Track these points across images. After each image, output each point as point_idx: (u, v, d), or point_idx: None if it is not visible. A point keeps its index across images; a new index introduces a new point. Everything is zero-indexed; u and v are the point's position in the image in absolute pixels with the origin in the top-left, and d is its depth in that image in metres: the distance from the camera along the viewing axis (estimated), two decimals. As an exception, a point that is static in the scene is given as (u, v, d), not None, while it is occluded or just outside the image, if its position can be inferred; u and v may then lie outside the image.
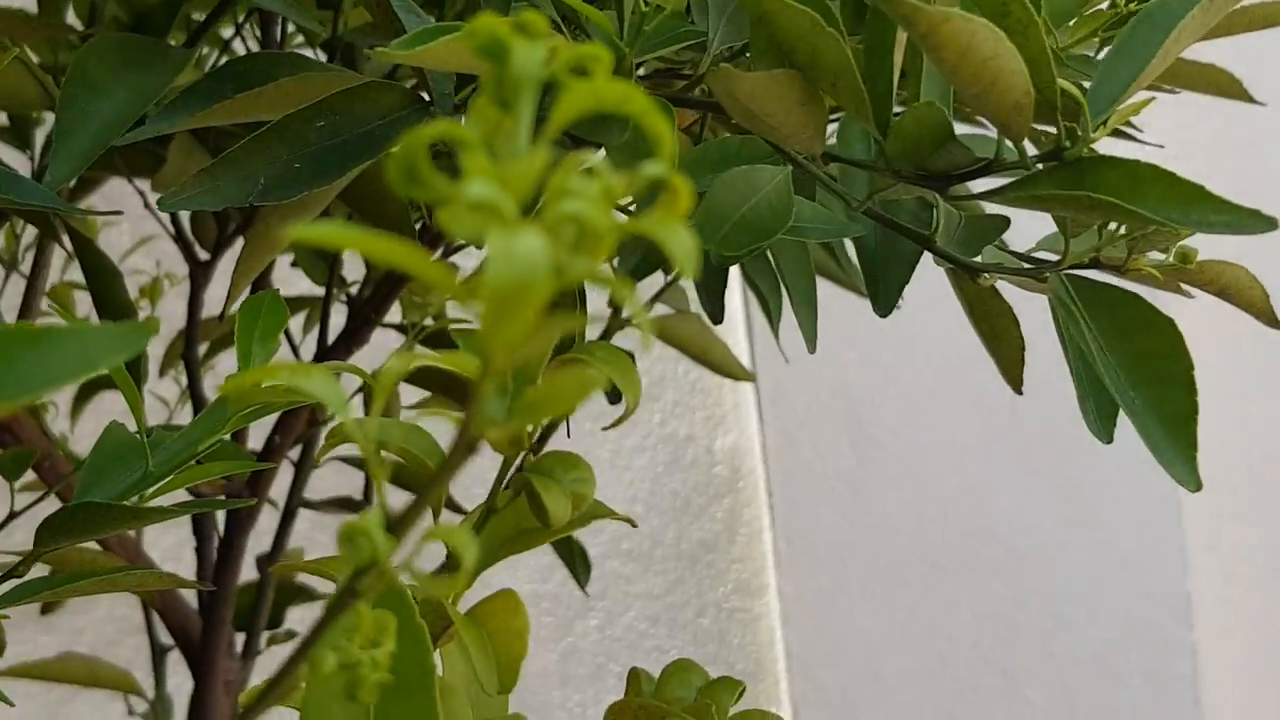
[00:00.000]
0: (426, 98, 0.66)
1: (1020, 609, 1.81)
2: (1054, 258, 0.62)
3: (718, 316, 0.82)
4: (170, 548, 1.33)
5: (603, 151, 0.59)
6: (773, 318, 0.91)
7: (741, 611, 1.95)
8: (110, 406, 0.87)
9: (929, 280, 0.75)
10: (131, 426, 0.63)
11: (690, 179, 0.64)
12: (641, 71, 0.82)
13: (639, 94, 0.30)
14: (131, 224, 1.22)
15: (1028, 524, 1.81)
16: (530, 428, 0.50)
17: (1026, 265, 0.63)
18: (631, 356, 1.15)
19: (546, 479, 0.52)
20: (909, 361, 1.85)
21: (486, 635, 0.52)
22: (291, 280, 1.10)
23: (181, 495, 0.81)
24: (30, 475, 0.95)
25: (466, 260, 1.14)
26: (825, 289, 0.91)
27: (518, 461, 0.54)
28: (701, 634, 1.91)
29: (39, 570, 0.83)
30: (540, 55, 0.31)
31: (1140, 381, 0.56)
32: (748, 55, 0.59)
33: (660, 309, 1.18)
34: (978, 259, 0.64)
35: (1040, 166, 0.55)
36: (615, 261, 1.02)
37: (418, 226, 0.87)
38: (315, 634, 0.35)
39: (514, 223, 0.27)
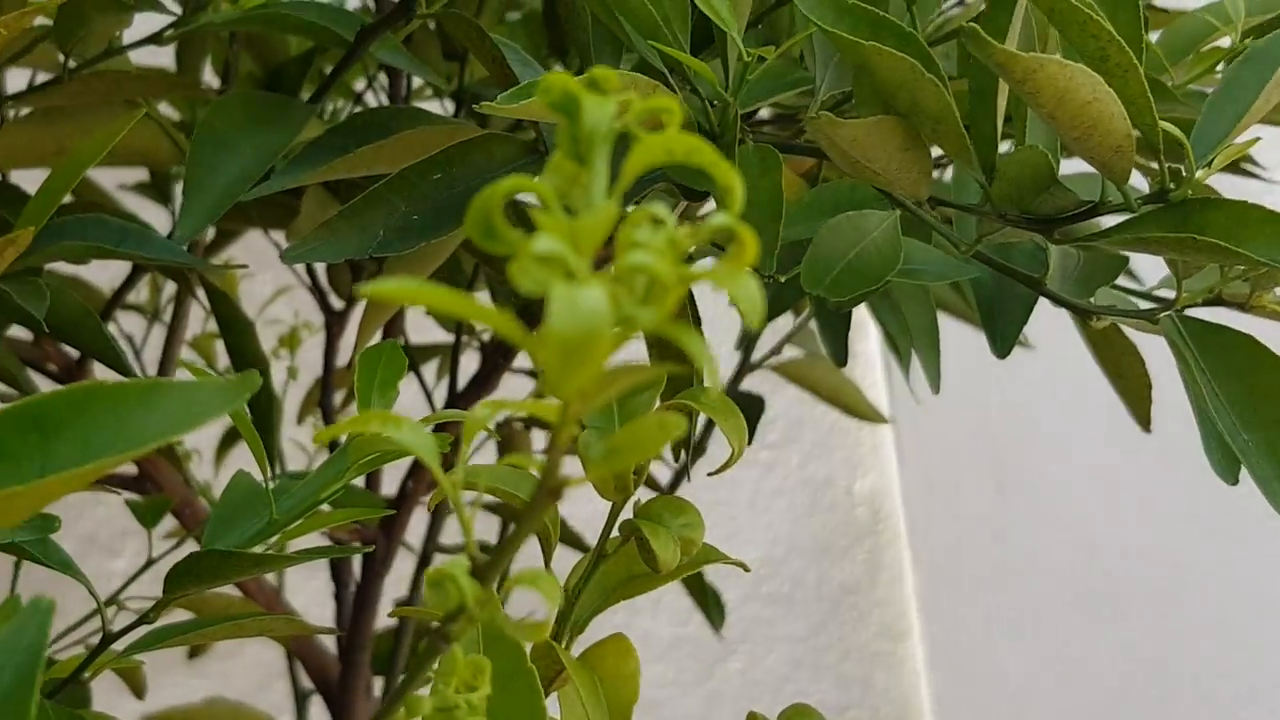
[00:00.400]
0: (543, 149, 0.67)
1: (1172, 651, 1.77)
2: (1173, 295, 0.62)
3: (841, 359, 0.82)
4: (313, 593, 1.35)
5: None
6: (902, 358, 0.90)
7: (886, 655, 1.93)
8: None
9: (1064, 317, 0.74)
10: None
11: (802, 224, 0.65)
12: (764, 114, 0.82)
13: (707, 146, 0.31)
14: (271, 275, 1.25)
15: (1178, 563, 1.77)
16: (634, 472, 0.50)
17: (1142, 306, 0.62)
18: (762, 400, 1.15)
19: (655, 524, 0.52)
20: (1051, 399, 1.82)
21: (598, 680, 0.53)
22: (425, 328, 1.12)
23: (316, 540, 0.83)
24: (174, 522, 0.98)
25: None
26: (962, 329, 0.91)
27: (629, 507, 0.54)
28: (845, 678, 1.89)
29: (181, 615, 0.85)
30: (610, 110, 0.32)
31: (1254, 424, 0.54)
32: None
33: (793, 352, 1.19)
34: (1094, 299, 0.63)
35: (1147, 208, 0.55)
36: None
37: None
38: (409, 679, 0.36)
39: (579, 276, 0.28)
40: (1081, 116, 0.50)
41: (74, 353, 0.90)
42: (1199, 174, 0.53)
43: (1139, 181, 0.58)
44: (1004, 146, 0.58)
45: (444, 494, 0.41)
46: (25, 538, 0.54)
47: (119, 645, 0.68)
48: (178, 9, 0.77)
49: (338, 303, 1.05)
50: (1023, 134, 0.57)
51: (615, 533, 0.54)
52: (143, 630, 0.68)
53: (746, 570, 0.57)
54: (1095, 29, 0.49)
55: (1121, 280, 0.67)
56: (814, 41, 0.61)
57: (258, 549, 0.63)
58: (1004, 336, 0.70)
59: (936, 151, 0.62)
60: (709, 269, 0.29)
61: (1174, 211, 0.53)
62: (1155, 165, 0.54)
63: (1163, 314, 0.58)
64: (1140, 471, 1.77)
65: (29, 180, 0.77)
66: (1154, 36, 0.76)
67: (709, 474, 0.54)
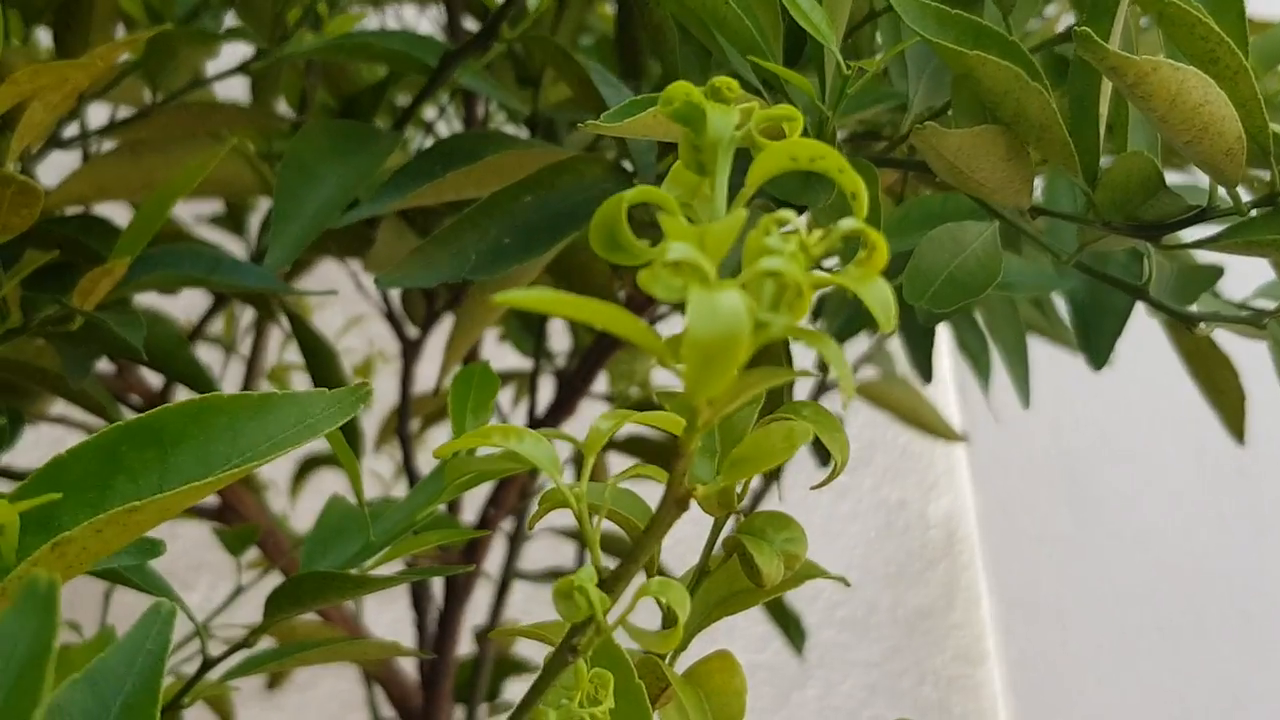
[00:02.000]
0: (629, 168, 0.67)
1: (1256, 673, 1.75)
2: (1272, 305, 0.61)
3: (927, 375, 0.82)
4: (390, 623, 1.35)
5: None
6: (981, 375, 0.90)
7: (963, 679, 1.92)
8: (327, 485, 0.89)
9: (1143, 334, 0.73)
10: (351, 501, 0.65)
11: (895, 238, 0.64)
12: (842, 135, 0.82)
13: (832, 151, 0.31)
14: (343, 304, 1.25)
15: (1260, 584, 1.75)
16: (739, 489, 0.50)
17: (1244, 313, 0.62)
18: (840, 422, 1.15)
19: (758, 539, 0.52)
20: (1126, 418, 1.81)
21: (704, 696, 0.53)
22: (499, 355, 1.12)
23: (400, 565, 0.83)
24: (255, 552, 0.98)
25: (666, 329, 1.15)
26: (1036, 348, 0.91)
27: (729, 523, 0.54)
28: (922, 703, 1.88)
29: (265, 643, 0.85)
30: (733, 119, 0.32)
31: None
32: (947, 114, 0.59)
33: (868, 372, 1.18)
34: (1192, 309, 0.63)
35: (1255, 212, 0.54)
36: (820, 324, 1.03)
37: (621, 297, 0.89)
38: (535, 691, 0.36)
39: (714, 281, 0.28)
40: (1194, 119, 0.49)
41: (156, 384, 0.90)
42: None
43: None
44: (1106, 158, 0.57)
45: (544, 514, 0.41)
46: (128, 562, 0.54)
47: (213, 673, 0.69)
48: (261, 40, 0.78)
49: (413, 331, 1.05)
50: (1124, 142, 0.56)
51: (718, 549, 0.53)
52: (237, 657, 0.68)
53: (848, 585, 0.57)
54: (1204, 31, 0.49)
55: (1227, 285, 0.67)
56: (907, 55, 0.61)
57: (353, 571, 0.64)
58: (1099, 349, 0.70)
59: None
60: (842, 273, 0.29)
61: (1283, 215, 0.53)
62: (1263, 171, 0.53)
63: (1269, 318, 0.58)
64: (1220, 490, 1.75)
65: (112, 213, 0.78)
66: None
67: (811, 488, 0.53)
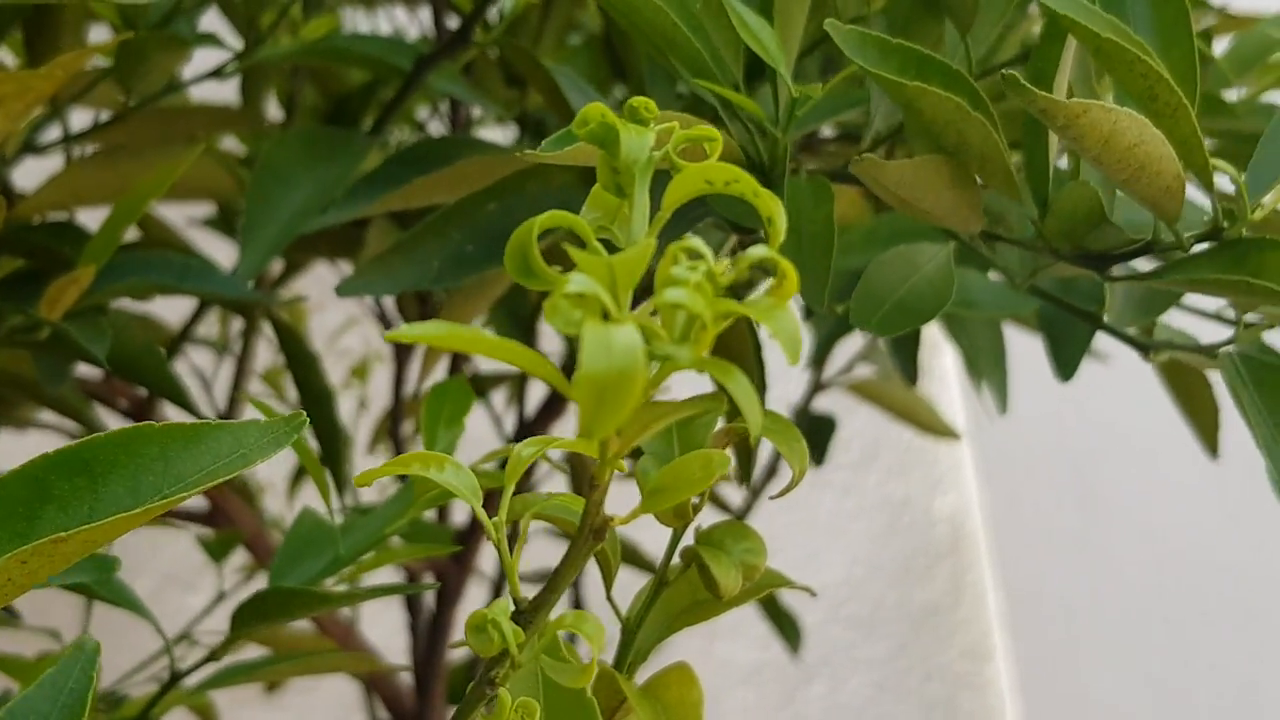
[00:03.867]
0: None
1: (1263, 667, 1.74)
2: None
3: (911, 377, 0.82)
4: (390, 625, 1.35)
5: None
6: (975, 376, 0.89)
7: (970, 676, 1.91)
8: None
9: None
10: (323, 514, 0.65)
11: (861, 254, 0.64)
12: (828, 133, 0.82)
13: (746, 176, 0.30)
14: (341, 305, 1.25)
15: (1268, 579, 1.74)
16: (695, 500, 0.49)
17: (1206, 334, 0.61)
18: (833, 421, 1.14)
19: (716, 550, 0.51)
20: (1131, 412, 1.79)
21: (662, 709, 0.52)
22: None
23: (389, 572, 0.82)
24: (247, 556, 0.98)
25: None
26: (1038, 341, 0.90)
27: (689, 533, 0.53)
28: (929, 701, 1.87)
29: (259, 650, 0.85)
30: (649, 140, 0.31)
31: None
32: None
33: (865, 371, 1.18)
34: (1156, 325, 0.62)
35: (1200, 247, 0.53)
36: (809, 324, 1.02)
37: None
38: (458, 722, 0.35)
39: (615, 315, 0.27)
40: (1128, 159, 0.49)
41: (143, 389, 0.90)
42: (1254, 214, 0.51)
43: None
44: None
45: (501, 526, 0.40)
46: (83, 579, 0.54)
47: (191, 681, 0.68)
48: (238, 44, 0.78)
49: (406, 332, 1.05)
50: (1077, 169, 0.55)
51: (677, 559, 0.53)
52: (213, 667, 0.68)
53: (813, 595, 0.56)
54: (1143, 69, 0.48)
55: (1191, 299, 0.66)
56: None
57: (331, 583, 0.63)
58: (1067, 362, 0.69)
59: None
60: (747, 303, 0.28)
61: (1228, 251, 0.52)
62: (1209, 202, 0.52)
63: (1221, 350, 0.57)
64: (1228, 485, 1.74)
65: (94, 219, 0.78)
66: (1224, 43, 0.74)
67: (771, 497, 0.53)
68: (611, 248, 0.32)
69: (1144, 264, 0.56)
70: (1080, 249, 0.54)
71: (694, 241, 0.29)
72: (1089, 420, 1.83)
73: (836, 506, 1.86)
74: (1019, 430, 1.83)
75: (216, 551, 0.81)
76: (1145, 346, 0.61)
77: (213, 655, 0.65)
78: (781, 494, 0.51)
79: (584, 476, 1.09)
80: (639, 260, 0.28)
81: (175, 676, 0.66)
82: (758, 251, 0.29)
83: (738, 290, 0.31)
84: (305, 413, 0.38)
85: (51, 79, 0.61)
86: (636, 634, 0.53)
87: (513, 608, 0.33)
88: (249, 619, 0.60)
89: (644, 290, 0.28)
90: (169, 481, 0.38)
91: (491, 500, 0.99)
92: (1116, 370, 1.06)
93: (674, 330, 0.29)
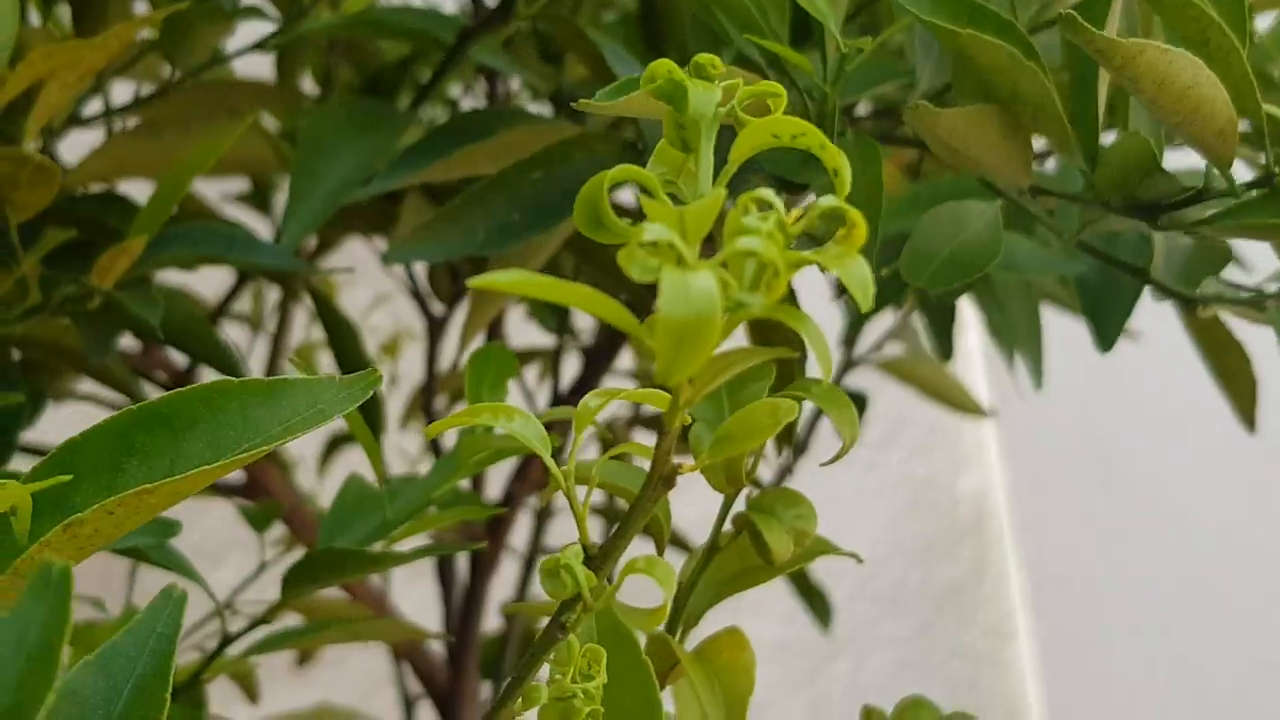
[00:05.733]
0: (643, 146, 0.67)
1: (1289, 649, 1.74)
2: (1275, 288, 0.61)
3: (947, 352, 0.82)
4: (418, 599, 1.36)
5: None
6: (1005, 353, 0.90)
7: (992, 655, 1.92)
8: (355, 460, 0.90)
9: (1173, 310, 0.73)
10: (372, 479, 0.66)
11: (903, 218, 0.64)
12: (862, 111, 0.82)
13: (813, 128, 0.31)
14: (371, 282, 1.26)
15: (1293, 559, 1.74)
16: (748, 465, 0.50)
17: (1245, 295, 0.61)
18: (865, 397, 1.15)
19: (768, 516, 0.52)
20: (1158, 391, 1.79)
21: (713, 672, 0.53)
22: (525, 331, 1.12)
23: (424, 541, 0.83)
24: (282, 529, 0.99)
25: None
26: (1066, 322, 0.90)
27: (740, 500, 0.54)
28: (952, 678, 1.88)
29: (293, 621, 0.86)
30: (715, 96, 0.32)
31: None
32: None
33: (894, 349, 1.18)
34: (1200, 290, 0.62)
35: (1252, 194, 0.54)
36: (844, 300, 1.03)
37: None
38: (527, 667, 0.36)
39: (690, 262, 0.28)
40: (1183, 101, 0.49)
41: (183, 361, 0.91)
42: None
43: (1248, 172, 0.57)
44: (1110, 137, 0.57)
45: (554, 491, 0.41)
46: (145, 541, 0.55)
47: (235, 649, 0.69)
48: (278, 17, 0.78)
49: (438, 308, 1.06)
50: (1125, 121, 0.56)
51: (728, 525, 0.53)
52: (259, 634, 0.69)
53: (860, 561, 0.56)
54: (1195, 12, 0.48)
55: (1234, 274, 0.66)
56: (915, 33, 0.60)
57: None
58: (1108, 331, 0.70)
59: (1040, 143, 0.62)
60: (820, 251, 0.29)
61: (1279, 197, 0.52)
62: (1258, 152, 0.53)
63: (1270, 300, 0.57)
64: (1254, 464, 1.74)
65: (136, 191, 0.79)
66: (1268, 20, 0.75)
67: (820, 464, 0.53)
68: (676, 202, 0.33)
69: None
70: (1131, 199, 0.55)
71: (764, 192, 0.29)
72: (1113, 399, 1.84)
73: (860, 485, 1.86)
74: (1043, 409, 1.84)
75: (258, 522, 0.82)
76: (1193, 300, 0.61)
77: (263, 619, 0.67)
78: (832, 460, 0.51)
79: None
80: (710, 210, 0.29)
81: (226, 640, 0.67)
82: (828, 201, 0.29)
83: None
84: (377, 370, 0.39)
85: (105, 49, 0.62)
86: (688, 599, 0.54)
87: (583, 555, 0.34)
88: (301, 580, 0.61)
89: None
90: (248, 435, 0.39)
91: (531, 463, 0.99)
92: (1142, 350, 1.07)
93: (744, 279, 0.29)
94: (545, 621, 0.36)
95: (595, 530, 1.35)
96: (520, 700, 0.37)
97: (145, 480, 0.37)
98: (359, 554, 0.60)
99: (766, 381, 0.52)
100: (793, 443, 0.76)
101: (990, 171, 0.56)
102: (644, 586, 0.37)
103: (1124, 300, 0.69)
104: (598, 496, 1.11)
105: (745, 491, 0.53)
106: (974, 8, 0.51)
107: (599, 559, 0.34)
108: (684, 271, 0.27)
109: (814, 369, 1.18)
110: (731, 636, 0.53)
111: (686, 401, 0.30)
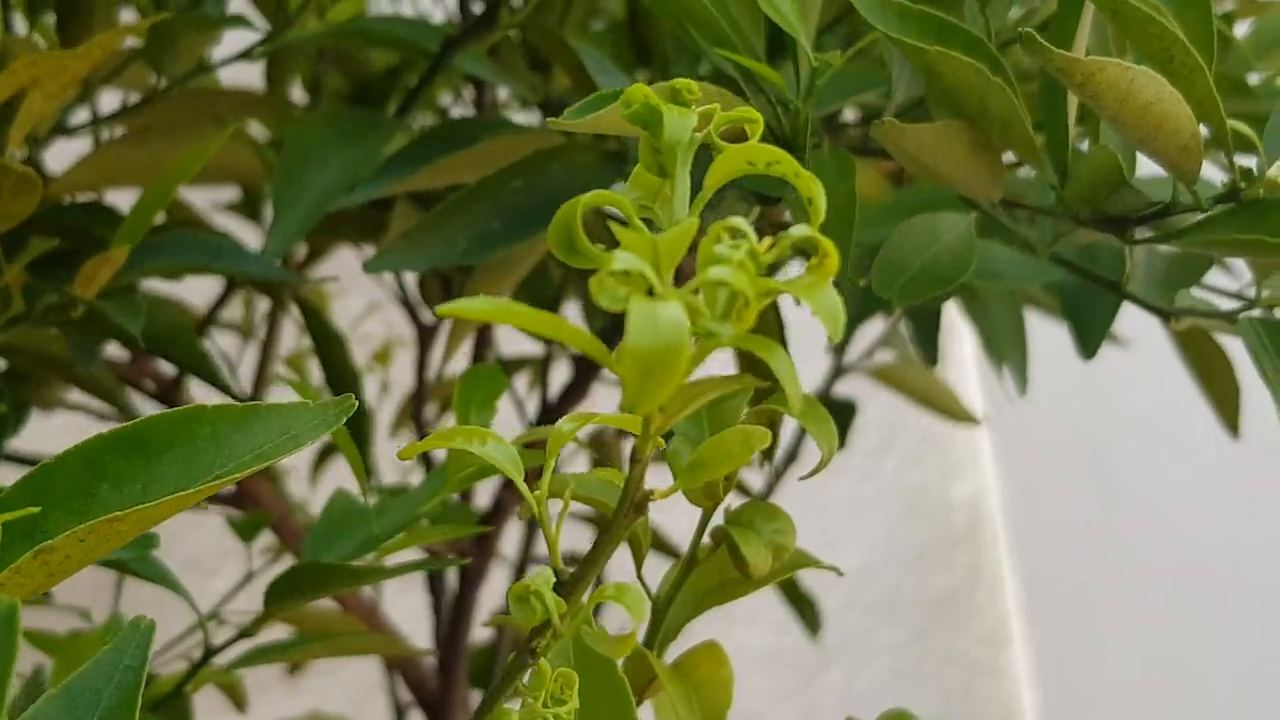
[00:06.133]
0: (628, 156, 0.67)
1: (1282, 654, 1.74)
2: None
3: (931, 360, 0.82)
4: (410, 608, 1.36)
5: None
6: (994, 360, 0.90)
7: (987, 662, 1.91)
8: (347, 472, 0.90)
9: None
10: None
11: (883, 227, 0.64)
12: (849, 118, 0.82)
13: (787, 156, 0.31)
14: (363, 290, 1.25)
15: (1288, 564, 1.73)
16: (724, 480, 0.50)
17: (1228, 306, 0.61)
18: (854, 406, 1.15)
19: (746, 530, 0.52)
20: (1150, 396, 1.79)
21: (692, 686, 0.52)
22: (515, 340, 1.12)
23: (413, 554, 0.83)
24: (272, 538, 0.98)
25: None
26: (1058, 329, 0.90)
27: (719, 513, 0.54)
28: (946, 686, 1.88)
29: (283, 632, 0.86)
30: (691, 122, 0.32)
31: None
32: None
33: (884, 356, 1.18)
34: (1176, 300, 0.62)
35: (1219, 208, 0.54)
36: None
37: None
38: (495, 694, 0.36)
39: (660, 291, 0.28)
40: (1145, 118, 0.49)
41: (170, 371, 0.91)
42: (1271, 172, 0.52)
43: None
44: (1085, 144, 0.57)
45: (544, 500, 0.41)
46: (126, 555, 0.55)
47: (221, 660, 0.69)
48: (266, 26, 0.78)
49: (428, 317, 1.05)
50: (1096, 132, 0.56)
51: (706, 539, 0.53)
52: (244, 645, 0.68)
53: (840, 574, 0.56)
54: (1158, 30, 0.48)
55: (1217, 278, 0.66)
56: (891, 45, 0.60)
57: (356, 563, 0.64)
58: (1090, 338, 0.70)
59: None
60: (790, 281, 0.29)
61: (1246, 212, 0.52)
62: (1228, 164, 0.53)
63: (1242, 315, 0.57)
64: (1247, 469, 1.73)
65: (124, 200, 0.78)
66: (1244, 27, 0.75)
67: (799, 479, 0.53)
68: (652, 227, 0.33)
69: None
70: (1100, 213, 0.55)
71: (736, 221, 0.29)
72: (1106, 406, 1.83)
73: (853, 492, 1.86)
74: (1036, 416, 1.83)
75: (245, 532, 0.82)
76: (1166, 313, 0.61)
77: (246, 632, 0.66)
78: (810, 475, 0.51)
79: (607, 459, 1.10)
80: (683, 238, 0.29)
81: (209, 652, 0.66)
82: (799, 231, 0.29)
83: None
84: (351, 396, 0.39)
85: (88, 59, 0.61)
86: (666, 613, 0.54)
87: (554, 580, 0.34)
88: (284, 594, 0.60)
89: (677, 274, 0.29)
90: (221, 462, 0.39)
91: (510, 484, 0.99)
92: (1134, 356, 1.07)
93: (715, 308, 0.29)
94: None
95: (585, 539, 1.34)
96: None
97: (118, 506, 0.37)
98: (342, 569, 0.60)
99: (746, 395, 0.51)
100: (772, 457, 0.76)
101: (960, 186, 0.56)
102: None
103: (1105, 308, 0.69)
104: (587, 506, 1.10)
105: (725, 504, 0.53)
106: (942, 24, 0.51)
107: (569, 584, 0.34)
108: (653, 302, 0.27)
109: (811, 371, 1.18)
110: (709, 650, 0.53)
111: (657, 429, 0.30)
